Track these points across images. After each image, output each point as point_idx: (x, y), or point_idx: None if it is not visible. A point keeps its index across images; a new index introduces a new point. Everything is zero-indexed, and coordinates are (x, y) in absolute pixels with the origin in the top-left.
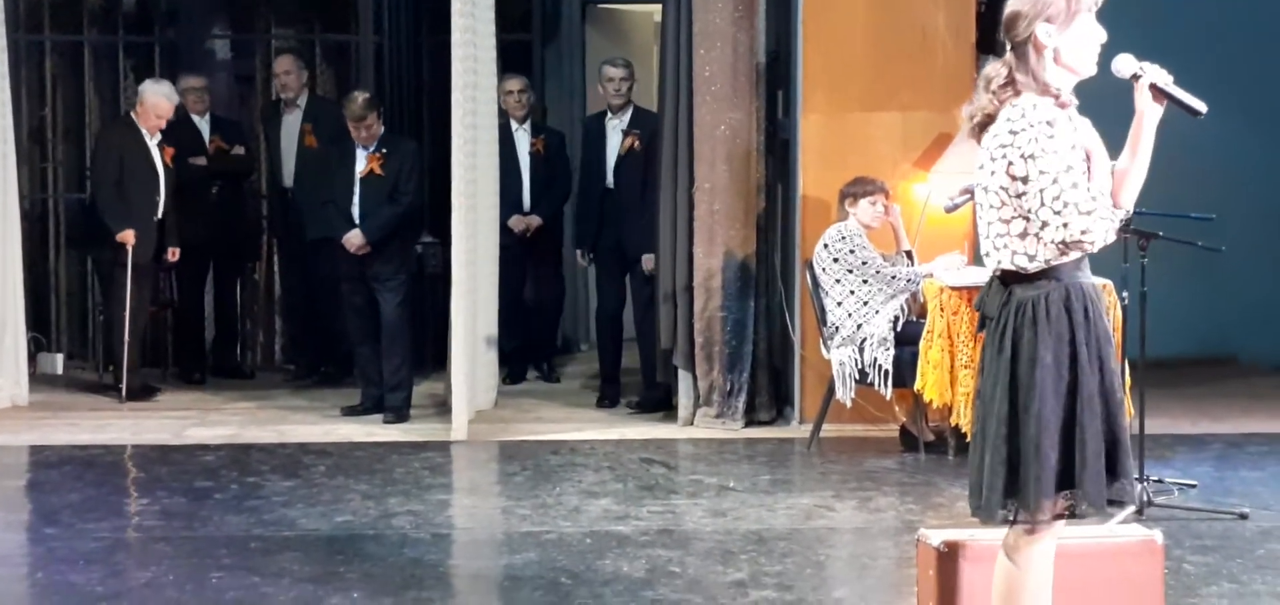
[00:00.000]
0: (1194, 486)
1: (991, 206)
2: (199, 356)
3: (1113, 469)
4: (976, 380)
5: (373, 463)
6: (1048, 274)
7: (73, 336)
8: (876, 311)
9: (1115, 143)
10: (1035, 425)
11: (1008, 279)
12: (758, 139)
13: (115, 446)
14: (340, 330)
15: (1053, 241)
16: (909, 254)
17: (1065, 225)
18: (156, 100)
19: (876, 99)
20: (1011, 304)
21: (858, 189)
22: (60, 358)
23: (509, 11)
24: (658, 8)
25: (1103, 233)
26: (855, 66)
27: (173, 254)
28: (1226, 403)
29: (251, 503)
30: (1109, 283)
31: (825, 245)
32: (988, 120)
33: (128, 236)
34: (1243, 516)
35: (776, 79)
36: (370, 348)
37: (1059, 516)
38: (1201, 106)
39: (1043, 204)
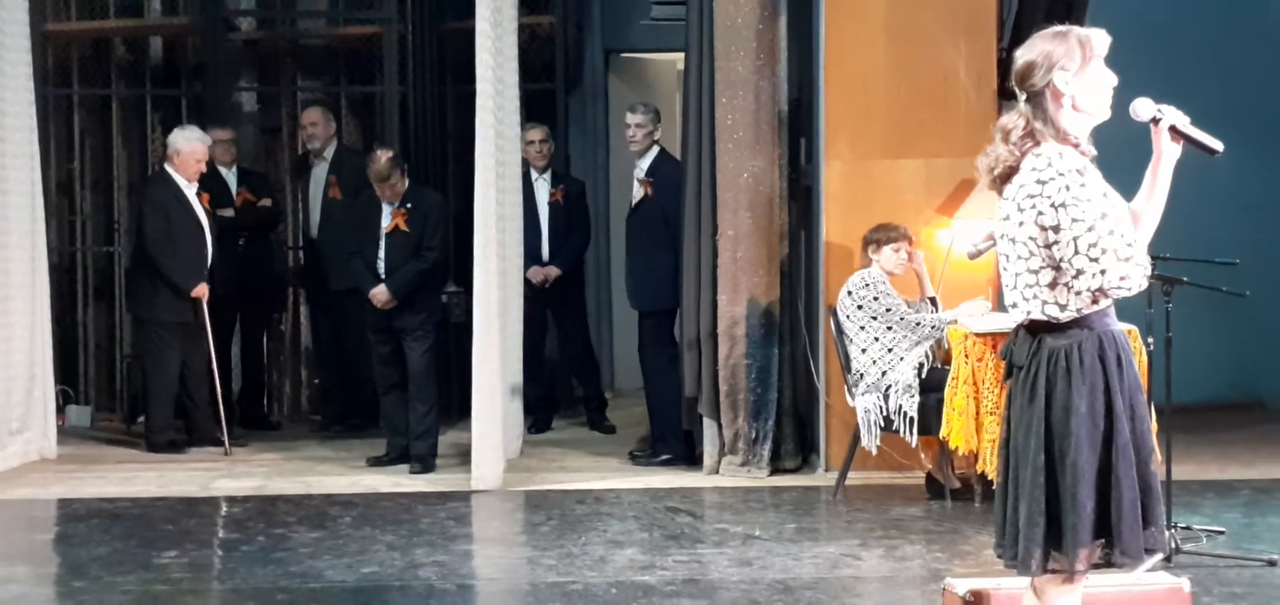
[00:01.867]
0: (1222, 533)
1: (1020, 257)
2: (226, 413)
3: (1145, 517)
4: (1002, 429)
5: (399, 513)
6: (1079, 323)
7: (101, 389)
8: (901, 358)
9: (1131, 185)
10: (1071, 475)
11: (1037, 328)
12: (780, 186)
13: (143, 499)
14: (367, 380)
15: (1088, 289)
16: (933, 300)
17: (1103, 272)
18: (192, 147)
19: (899, 146)
20: (1042, 353)
21: (881, 235)
22: (88, 410)
23: (532, 61)
24: (681, 56)
25: (1139, 279)
26: (877, 113)
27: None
28: (1254, 448)
29: (278, 554)
30: (1134, 328)
31: (849, 292)
32: (1009, 172)
33: (201, 291)
34: (1271, 563)
35: (799, 126)
36: (396, 397)
37: (1094, 566)
38: (1218, 146)
39: (1078, 252)
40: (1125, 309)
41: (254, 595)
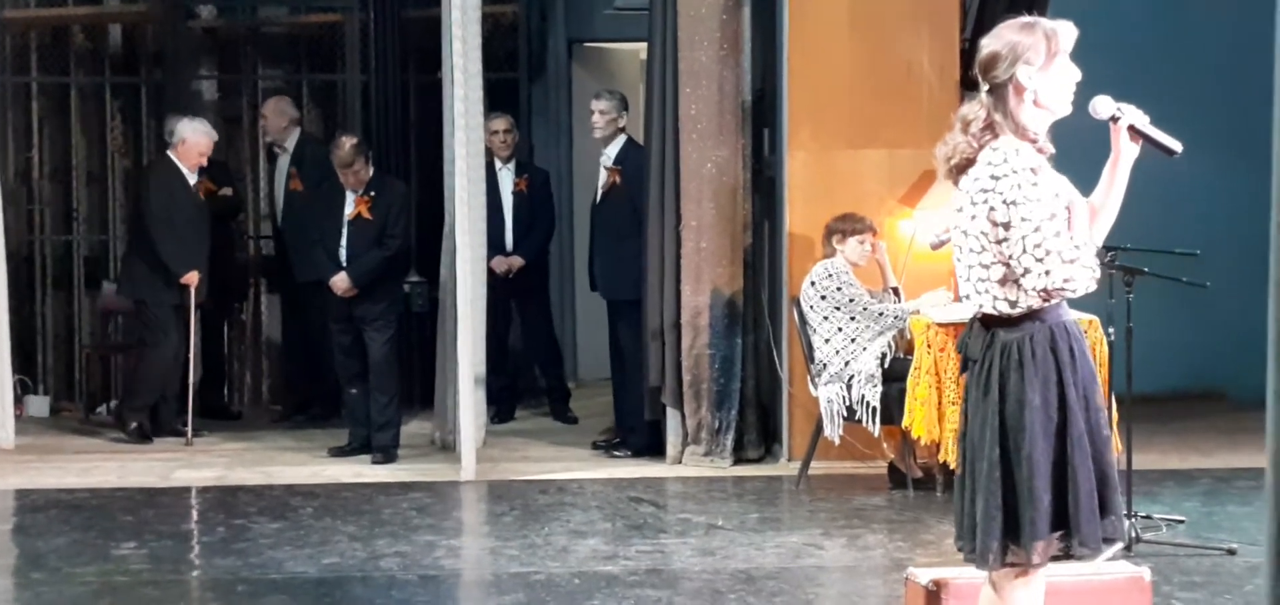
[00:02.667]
0: (1182, 522)
1: (972, 250)
2: (181, 397)
3: (1103, 507)
4: (960, 422)
5: (360, 504)
6: (1031, 316)
7: (59, 379)
8: (864, 348)
9: (1088, 180)
10: (1026, 467)
11: (990, 322)
12: (744, 176)
13: (102, 490)
14: (330, 371)
15: (1034, 289)
16: (896, 290)
17: (1047, 273)
18: (198, 138)
19: (862, 136)
20: (996, 347)
21: (846, 226)
22: (47, 400)
23: (495, 50)
24: (644, 46)
25: (1085, 282)
26: (841, 104)
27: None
28: (1214, 438)
29: (238, 545)
30: (1095, 318)
31: (812, 283)
32: (966, 163)
33: (192, 278)
34: (1231, 552)
35: (762, 117)
36: (358, 388)
37: (1053, 558)
38: (1177, 146)
39: (1025, 251)
40: (1087, 300)
41: (214, 586)
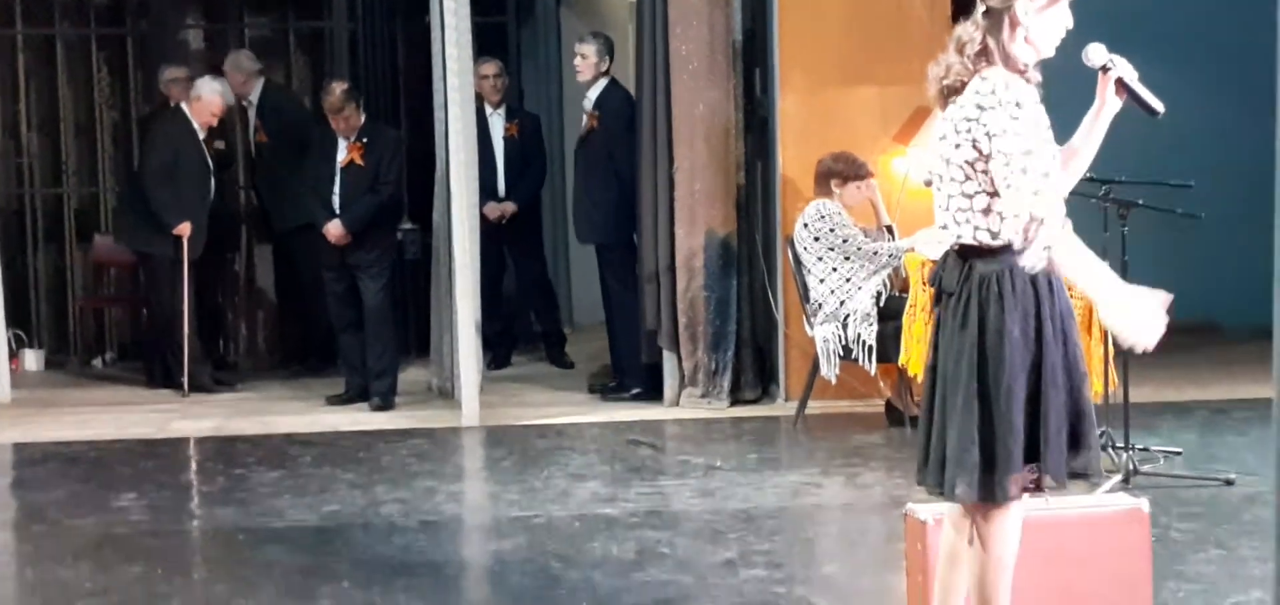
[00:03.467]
0: (1179, 454)
1: (953, 180)
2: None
3: (1077, 442)
4: (928, 354)
5: (359, 451)
6: (1011, 249)
7: (52, 333)
8: (859, 287)
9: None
10: (1005, 400)
11: (967, 253)
12: (736, 117)
13: (99, 442)
14: (324, 319)
15: (1012, 225)
16: (890, 228)
17: (1015, 211)
18: (213, 98)
19: (854, 75)
20: (973, 278)
21: (847, 171)
22: (41, 354)
23: None
24: None
25: (1048, 218)
26: (831, 43)
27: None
28: (1210, 370)
29: (238, 495)
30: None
31: (805, 225)
32: (959, 85)
33: (184, 229)
34: (1228, 482)
35: (753, 57)
36: (353, 336)
37: (1025, 490)
38: (1160, 107)
39: (1004, 184)
40: (1081, 233)
41: (215, 536)
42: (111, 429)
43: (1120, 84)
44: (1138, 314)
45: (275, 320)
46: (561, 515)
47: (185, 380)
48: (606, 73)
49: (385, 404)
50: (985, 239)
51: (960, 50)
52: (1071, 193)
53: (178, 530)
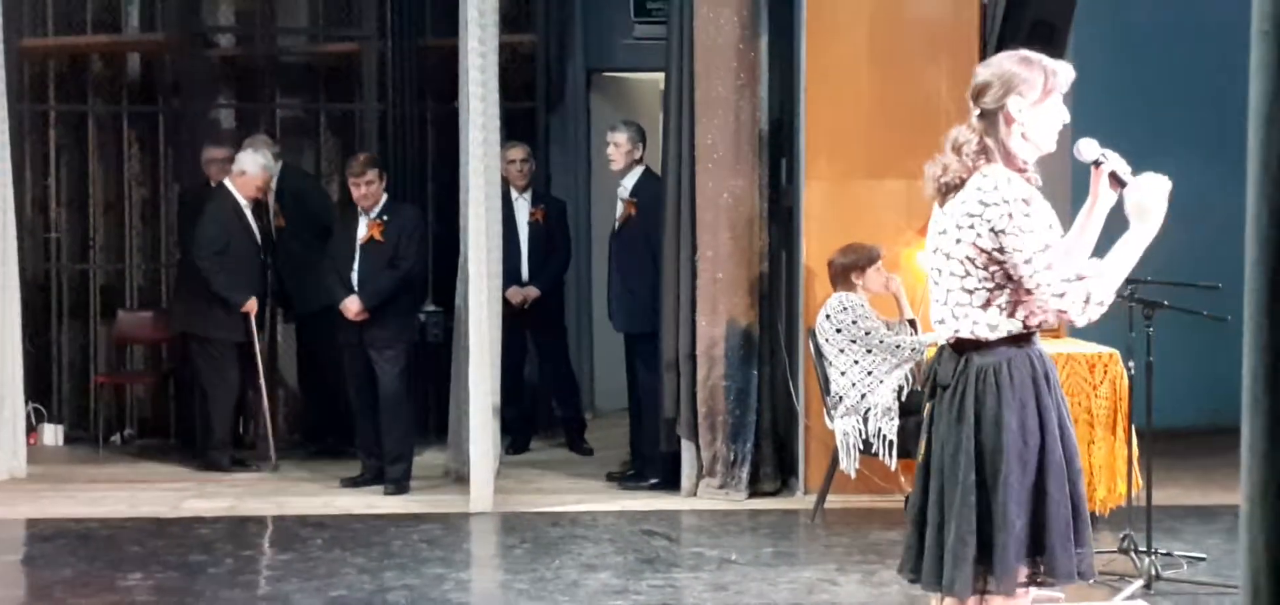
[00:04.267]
0: (1203, 559)
1: (954, 274)
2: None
3: (1077, 539)
4: (922, 450)
5: (370, 535)
6: (1008, 341)
7: (73, 408)
8: (881, 381)
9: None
10: (1002, 492)
11: (964, 347)
12: (761, 206)
13: (111, 520)
14: (344, 401)
15: (1044, 308)
16: (912, 322)
17: (1043, 303)
18: (258, 172)
19: (880, 166)
20: (970, 371)
21: (862, 259)
22: (61, 429)
23: (513, 79)
24: (662, 76)
25: (1079, 311)
26: (858, 133)
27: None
28: (1235, 474)
29: (245, 576)
30: (1115, 352)
31: (827, 316)
32: (957, 183)
33: (251, 307)
34: None
35: (780, 146)
36: (370, 418)
37: (1026, 585)
38: None
39: (1019, 284)
40: (1106, 332)
41: None
42: (124, 506)
43: (1114, 178)
44: (1151, 194)
45: (296, 402)
46: None
47: (273, 454)
48: (640, 160)
49: (399, 488)
50: (983, 333)
51: (958, 151)
52: None
53: None
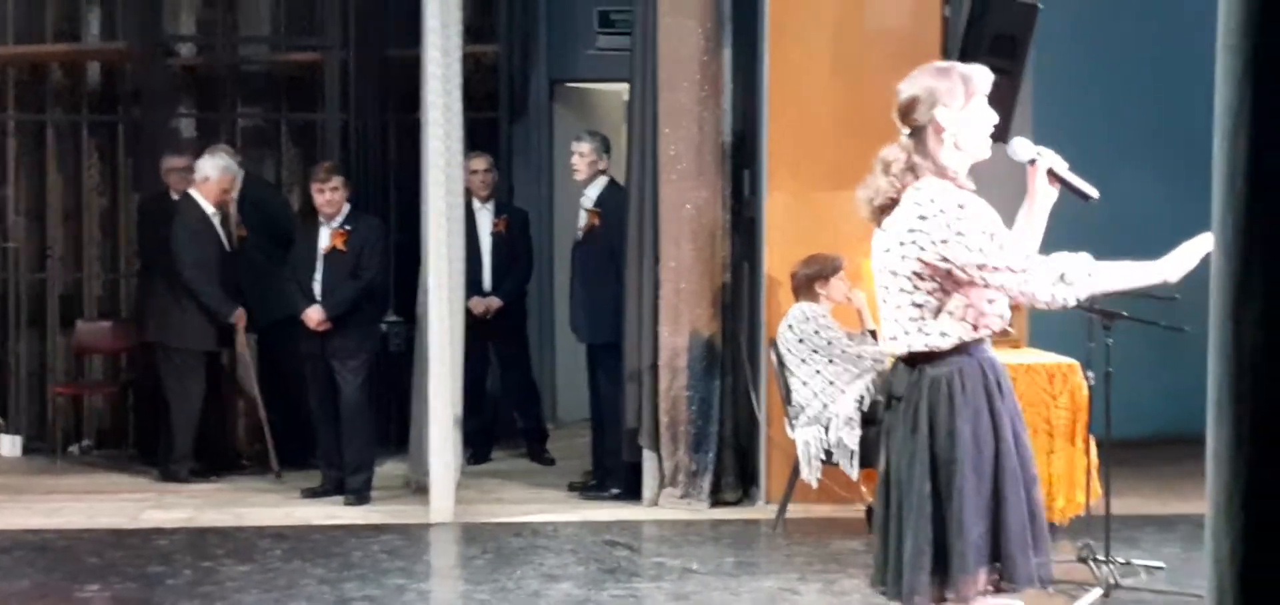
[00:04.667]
0: (1161, 568)
1: (901, 290)
2: (158, 438)
3: (1034, 545)
4: (881, 463)
5: (330, 546)
6: (959, 350)
7: (32, 419)
8: (842, 391)
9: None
10: (958, 500)
11: (916, 360)
12: (724, 217)
13: (69, 531)
14: (304, 412)
15: (1005, 295)
16: (873, 333)
17: (1002, 287)
18: (221, 176)
19: (842, 178)
20: (923, 383)
21: (825, 269)
22: (19, 440)
23: (476, 90)
24: (626, 87)
25: (1045, 288)
26: (821, 145)
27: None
28: (1194, 483)
29: (204, 588)
30: (1074, 362)
31: (790, 326)
32: (889, 204)
33: (241, 318)
34: None
35: (743, 157)
36: (331, 428)
37: (986, 592)
38: (1093, 192)
39: (980, 276)
40: (1065, 343)
41: None
42: (82, 518)
43: (1052, 174)
44: (1187, 255)
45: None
46: None
47: (275, 463)
48: (604, 171)
49: (361, 498)
50: (936, 343)
51: (887, 170)
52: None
53: None
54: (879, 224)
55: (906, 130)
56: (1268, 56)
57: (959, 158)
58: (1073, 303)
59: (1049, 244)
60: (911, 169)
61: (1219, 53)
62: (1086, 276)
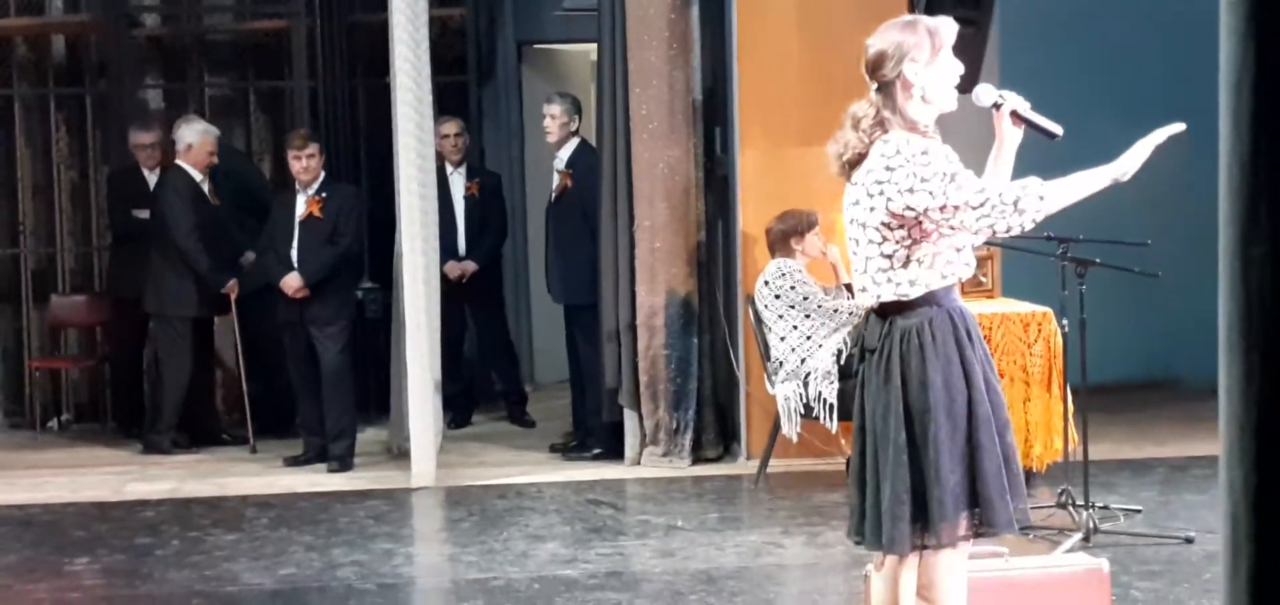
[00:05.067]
0: (1139, 512)
1: (871, 242)
2: (137, 409)
3: (1011, 490)
4: (856, 414)
5: (316, 513)
6: (928, 300)
7: (9, 394)
8: (820, 345)
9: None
10: (933, 448)
11: (887, 310)
12: (696, 175)
13: (54, 505)
14: (284, 382)
15: (979, 234)
16: (849, 287)
17: (964, 225)
18: (202, 139)
19: (813, 133)
20: (894, 333)
21: (801, 225)
22: None
23: (444, 53)
24: (594, 47)
25: (1003, 219)
26: (791, 101)
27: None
28: (1169, 427)
29: (194, 558)
30: (1049, 310)
31: (766, 282)
32: (858, 158)
33: (232, 288)
34: (1188, 540)
35: (713, 115)
36: (312, 397)
37: (965, 537)
38: (1058, 130)
39: (944, 220)
40: (1039, 291)
41: (169, 600)
42: (66, 492)
43: (1016, 115)
44: (1138, 152)
45: (234, 383)
46: (520, 577)
47: (252, 437)
48: (576, 132)
49: (343, 465)
50: (905, 292)
51: (856, 125)
52: (1028, 249)
53: (132, 595)
54: (849, 178)
55: (874, 86)
56: (1268, 9)
57: (927, 110)
58: (1031, 226)
59: (1069, 221)
60: (880, 124)
61: (1222, 8)
62: (1038, 199)
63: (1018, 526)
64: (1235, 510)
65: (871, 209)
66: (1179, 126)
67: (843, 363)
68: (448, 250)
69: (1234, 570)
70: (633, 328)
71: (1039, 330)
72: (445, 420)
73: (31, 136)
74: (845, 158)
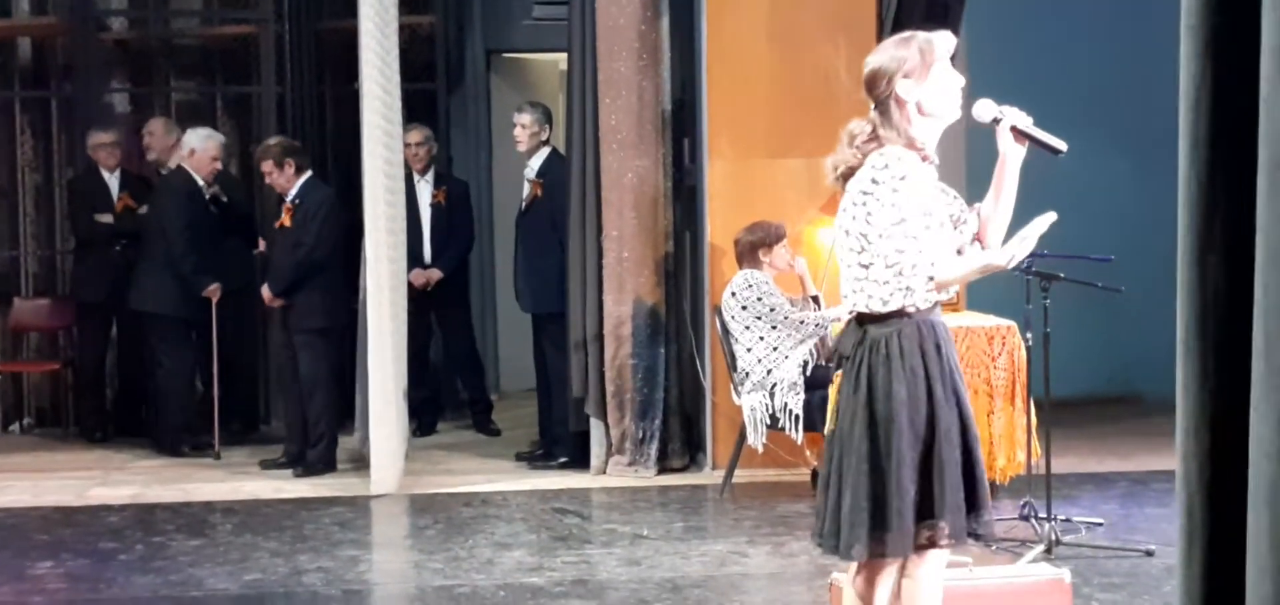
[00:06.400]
0: (1101, 524)
1: (851, 250)
2: (100, 414)
3: (974, 503)
4: (830, 421)
5: (281, 519)
6: (900, 313)
7: None
8: (786, 356)
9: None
10: (896, 459)
11: (863, 320)
12: (665, 186)
13: (16, 509)
14: (244, 388)
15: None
16: (816, 299)
17: (900, 276)
18: (207, 146)
19: (781, 145)
20: (866, 343)
21: (769, 237)
22: None
23: (413, 61)
24: (564, 56)
25: (899, 287)
26: (759, 113)
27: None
28: (1131, 441)
29: (157, 563)
30: (1013, 324)
31: (733, 293)
32: (851, 171)
33: (214, 292)
34: (1149, 553)
35: (682, 126)
36: (293, 400)
37: (921, 548)
38: (1061, 145)
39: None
40: (1004, 305)
41: None
42: (28, 496)
43: (1017, 131)
44: (1020, 244)
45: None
46: (486, 585)
47: (216, 441)
48: (547, 142)
49: (325, 468)
50: (877, 306)
51: (851, 141)
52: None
53: (95, 599)
54: (843, 189)
55: (873, 104)
56: (1223, 36)
57: (927, 125)
58: (922, 304)
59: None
60: (876, 140)
61: (1182, 34)
62: (928, 281)
63: (979, 538)
64: (1190, 501)
65: (853, 218)
66: (1051, 215)
67: (809, 374)
68: (413, 258)
69: (1188, 559)
70: (600, 337)
71: (1003, 343)
72: (411, 428)
73: None
74: (839, 171)
